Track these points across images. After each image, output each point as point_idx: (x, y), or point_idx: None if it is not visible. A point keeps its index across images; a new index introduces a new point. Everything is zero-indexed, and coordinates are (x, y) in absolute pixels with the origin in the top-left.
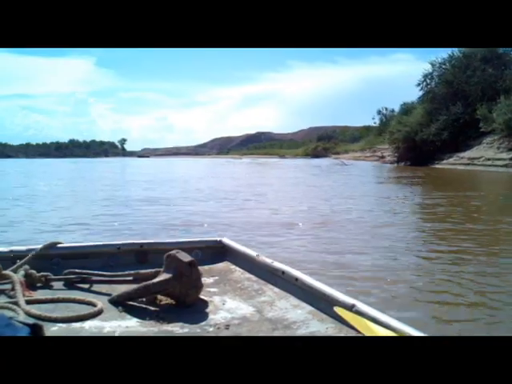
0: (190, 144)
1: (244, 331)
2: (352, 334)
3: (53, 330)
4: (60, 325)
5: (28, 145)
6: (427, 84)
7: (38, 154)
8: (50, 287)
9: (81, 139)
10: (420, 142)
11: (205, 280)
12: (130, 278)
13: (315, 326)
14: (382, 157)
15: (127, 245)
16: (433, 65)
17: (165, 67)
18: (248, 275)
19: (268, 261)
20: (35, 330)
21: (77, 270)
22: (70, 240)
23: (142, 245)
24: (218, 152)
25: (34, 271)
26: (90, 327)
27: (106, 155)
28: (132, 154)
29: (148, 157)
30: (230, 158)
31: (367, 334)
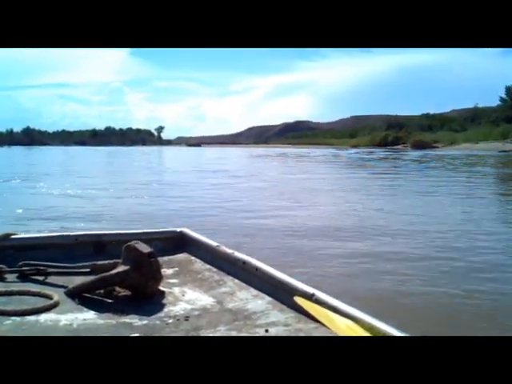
0: (224, 133)
1: (204, 323)
2: (311, 323)
3: (6, 323)
4: (14, 318)
5: (63, 132)
6: None
7: (74, 142)
8: (4, 280)
9: (117, 127)
10: None
11: (165, 271)
12: (88, 270)
13: (275, 316)
14: None
15: (85, 236)
16: None
17: (199, 57)
18: (208, 266)
19: (229, 251)
20: None
21: (32, 262)
22: None
23: (100, 235)
24: (255, 141)
25: None
26: (45, 320)
27: (144, 143)
28: (168, 142)
29: (199, 146)
30: (273, 147)
31: (326, 322)
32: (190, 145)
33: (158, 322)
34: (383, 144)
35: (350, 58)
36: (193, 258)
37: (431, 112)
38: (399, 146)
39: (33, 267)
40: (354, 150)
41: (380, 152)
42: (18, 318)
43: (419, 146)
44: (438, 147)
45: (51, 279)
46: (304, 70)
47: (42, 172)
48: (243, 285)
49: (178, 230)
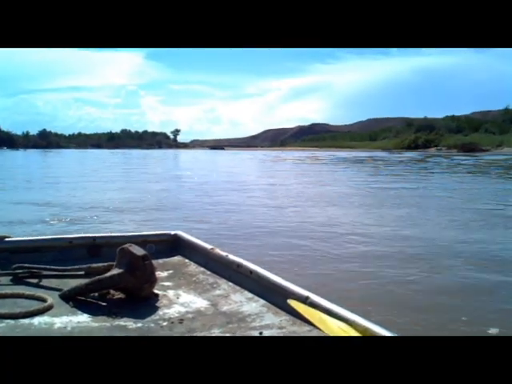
0: (239, 136)
1: (198, 325)
2: (305, 326)
3: (0, 326)
4: (8, 321)
5: (79, 134)
6: None
7: (90, 145)
8: None
9: (132, 130)
10: None
11: (159, 274)
12: (82, 273)
13: (269, 318)
14: None
15: (79, 238)
16: None
17: (213, 60)
18: (203, 269)
19: (223, 254)
20: None
21: (26, 265)
22: None
23: (94, 238)
24: (271, 144)
25: None
26: (39, 323)
27: (160, 146)
28: (184, 145)
29: (223, 148)
30: (306, 150)
31: (320, 326)
32: (212, 147)
33: (152, 325)
34: (413, 147)
35: (366, 60)
36: (187, 260)
37: (450, 114)
38: (432, 149)
39: (27, 270)
40: (409, 154)
41: (455, 157)
42: (11, 321)
43: (468, 149)
44: (488, 150)
45: (45, 282)
46: (319, 72)
47: (94, 202)
48: (237, 288)
49: (173, 232)
